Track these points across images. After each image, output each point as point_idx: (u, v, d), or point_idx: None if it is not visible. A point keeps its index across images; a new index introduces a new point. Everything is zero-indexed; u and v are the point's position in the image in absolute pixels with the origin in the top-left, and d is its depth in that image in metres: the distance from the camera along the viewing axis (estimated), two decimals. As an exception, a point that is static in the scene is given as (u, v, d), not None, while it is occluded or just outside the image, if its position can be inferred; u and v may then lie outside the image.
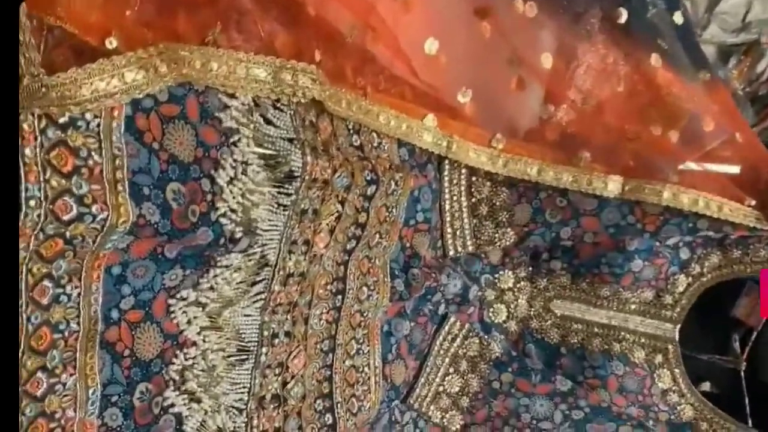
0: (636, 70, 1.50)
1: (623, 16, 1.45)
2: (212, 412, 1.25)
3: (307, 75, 1.14)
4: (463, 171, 1.59)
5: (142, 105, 1.02)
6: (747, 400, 1.65)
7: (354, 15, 1.23)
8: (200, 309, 1.21)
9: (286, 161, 1.20)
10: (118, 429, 1.13)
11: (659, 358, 1.68)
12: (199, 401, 1.23)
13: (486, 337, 1.70)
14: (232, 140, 1.14)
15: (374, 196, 1.42)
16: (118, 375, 1.13)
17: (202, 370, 1.23)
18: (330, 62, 1.20)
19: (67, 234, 1.00)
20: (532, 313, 1.75)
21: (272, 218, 1.23)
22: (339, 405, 1.47)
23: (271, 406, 1.33)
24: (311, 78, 1.14)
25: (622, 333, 1.69)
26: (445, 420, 1.66)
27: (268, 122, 1.17)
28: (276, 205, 1.23)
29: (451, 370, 1.68)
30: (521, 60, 1.47)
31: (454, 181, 1.60)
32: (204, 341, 1.23)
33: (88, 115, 0.97)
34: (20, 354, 0.99)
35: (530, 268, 1.74)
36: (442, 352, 1.67)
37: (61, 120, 0.94)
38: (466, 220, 1.63)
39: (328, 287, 1.43)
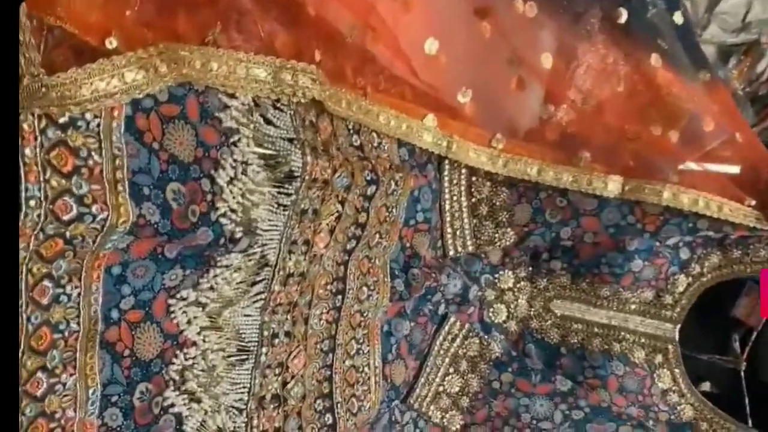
0: (636, 70, 1.50)
1: (623, 16, 1.45)
2: (212, 412, 1.25)
3: (307, 75, 1.14)
4: (463, 171, 1.59)
5: (142, 105, 1.02)
6: (747, 400, 1.65)
7: (354, 15, 1.23)
8: (200, 309, 1.21)
9: (286, 161, 1.20)
10: (118, 429, 1.13)
11: (659, 358, 1.68)
12: (199, 401, 1.23)
13: (486, 337, 1.70)
14: (232, 140, 1.14)
15: (374, 196, 1.42)
16: (118, 375, 1.13)
17: (202, 370, 1.23)
18: (330, 62, 1.20)
19: (67, 234, 1.00)
20: (532, 313, 1.75)
21: (272, 218, 1.23)
22: (339, 405, 1.47)
23: (271, 406, 1.33)
24: (311, 78, 1.14)
25: (622, 333, 1.69)
26: (445, 420, 1.66)
27: (268, 122, 1.17)
28: (276, 205, 1.23)
29: (451, 370, 1.68)
30: (521, 60, 1.47)
31: (454, 181, 1.60)
32: (204, 341, 1.23)
33: (88, 115, 0.97)
34: (20, 354, 0.99)
35: (530, 268, 1.74)
36: (442, 352, 1.67)
37: (61, 120, 0.94)
38: (466, 220, 1.63)
39: (328, 287, 1.43)
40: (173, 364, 1.19)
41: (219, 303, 1.23)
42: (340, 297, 1.45)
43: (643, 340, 1.68)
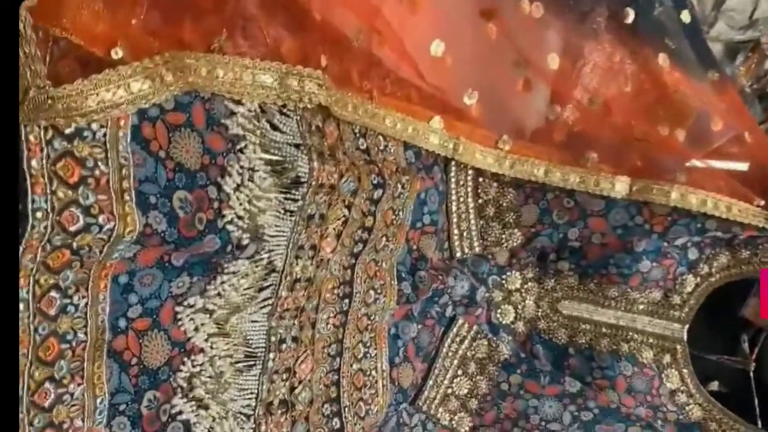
0: (643, 69, 1.49)
1: (630, 16, 1.44)
2: (220, 418, 1.25)
3: (313, 80, 1.13)
4: (470, 172, 1.58)
5: (148, 114, 1.02)
6: (756, 401, 1.64)
7: (360, 19, 1.22)
8: (207, 316, 1.21)
9: (293, 167, 1.20)
10: (126, 438, 1.13)
11: (667, 359, 1.67)
12: (207, 408, 1.23)
13: (494, 338, 1.69)
14: (238, 147, 1.13)
15: (381, 199, 1.41)
16: (126, 383, 1.12)
17: (210, 377, 1.23)
18: (336, 67, 1.20)
19: (74, 245, 0.99)
20: (539, 313, 1.74)
21: (279, 224, 1.23)
22: (346, 409, 1.46)
23: (279, 412, 1.33)
24: (317, 83, 1.13)
25: (630, 333, 1.68)
26: (453, 422, 1.66)
27: (275, 128, 1.17)
28: (283, 211, 1.22)
29: (460, 372, 1.68)
30: (527, 61, 1.46)
31: (461, 183, 1.60)
32: (211, 348, 1.22)
33: (94, 125, 0.96)
34: (28, 365, 0.99)
35: (537, 269, 1.74)
36: (450, 354, 1.67)
37: (67, 131, 0.94)
38: (473, 222, 1.63)
39: (335, 291, 1.42)
40: (181, 371, 1.19)
41: (226, 309, 1.22)
42: (347, 301, 1.44)
43: (651, 341, 1.68)
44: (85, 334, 1.06)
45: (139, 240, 1.05)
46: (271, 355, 1.30)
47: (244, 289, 1.23)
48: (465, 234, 1.63)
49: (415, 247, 1.57)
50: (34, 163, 0.92)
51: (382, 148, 1.36)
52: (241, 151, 1.14)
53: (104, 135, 0.98)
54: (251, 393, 1.28)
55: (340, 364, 1.46)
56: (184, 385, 1.20)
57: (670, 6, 1.47)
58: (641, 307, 1.68)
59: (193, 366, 1.20)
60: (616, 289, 1.66)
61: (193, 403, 1.21)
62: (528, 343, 1.74)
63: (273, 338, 1.29)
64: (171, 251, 1.10)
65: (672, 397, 1.67)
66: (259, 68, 1.08)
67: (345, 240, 1.39)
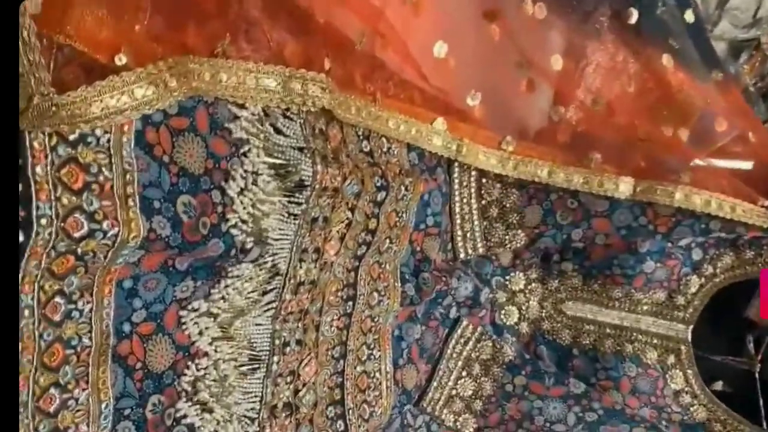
0: (646, 69, 1.49)
1: (634, 16, 1.43)
2: (224, 421, 1.25)
3: (316, 84, 1.12)
4: (473, 173, 1.58)
5: (151, 119, 1.02)
6: (762, 402, 1.64)
7: (363, 21, 1.22)
8: (212, 319, 1.21)
9: (297, 170, 1.19)
10: (131, 442, 1.13)
11: (672, 359, 1.67)
12: (211, 411, 1.23)
13: (499, 339, 1.69)
14: (242, 151, 1.13)
15: (384, 201, 1.41)
16: (131, 388, 1.13)
17: (214, 380, 1.23)
18: (339, 69, 1.19)
19: (79, 250, 0.99)
20: (543, 314, 1.74)
21: (283, 227, 1.23)
22: (350, 411, 1.46)
23: (283, 415, 1.33)
24: (321, 87, 1.13)
25: (635, 334, 1.68)
26: (458, 423, 1.66)
27: (278, 132, 1.16)
28: (286, 215, 1.22)
29: (464, 373, 1.68)
30: (530, 62, 1.46)
31: (464, 184, 1.59)
32: (216, 351, 1.22)
33: (98, 131, 0.96)
34: (32, 371, 0.99)
35: (541, 270, 1.74)
36: (454, 355, 1.67)
37: (72, 137, 0.94)
38: (476, 223, 1.63)
39: (339, 294, 1.42)
40: (185, 375, 1.19)
41: (230, 313, 1.22)
42: (350, 303, 1.44)
43: (655, 341, 1.68)
44: (90, 339, 1.06)
45: (144, 245, 1.05)
46: (275, 358, 1.30)
47: (248, 293, 1.23)
48: (468, 235, 1.63)
49: (418, 248, 1.57)
50: (38, 169, 0.92)
51: (385, 150, 1.36)
52: (244, 155, 1.14)
53: (108, 141, 0.98)
54: (255, 396, 1.28)
55: (344, 367, 1.46)
56: (189, 388, 1.20)
57: (674, 5, 1.46)
58: (645, 307, 1.68)
59: (198, 370, 1.20)
60: (620, 290, 1.66)
61: (198, 406, 1.21)
62: (532, 344, 1.74)
63: (277, 341, 1.29)
64: (175, 256, 1.10)
65: (676, 398, 1.67)
66: (262, 72, 1.08)
67: (348, 242, 1.38)
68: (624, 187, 1.46)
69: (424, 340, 1.62)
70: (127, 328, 1.10)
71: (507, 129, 1.48)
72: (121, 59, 0.92)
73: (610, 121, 1.50)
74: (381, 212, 1.42)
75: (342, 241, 1.37)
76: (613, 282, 1.66)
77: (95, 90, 0.90)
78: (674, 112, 1.49)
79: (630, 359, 1.67)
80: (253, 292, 1.24)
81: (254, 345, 1.27)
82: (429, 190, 1.52)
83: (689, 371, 1.67)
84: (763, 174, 1.49)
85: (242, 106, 1.11)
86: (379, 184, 1.38)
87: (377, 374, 1.52)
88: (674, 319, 1.67)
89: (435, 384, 1.65)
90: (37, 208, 0.93)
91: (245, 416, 1.27)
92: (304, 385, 1.37)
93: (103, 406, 1.09)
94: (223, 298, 1.20)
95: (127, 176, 1.01)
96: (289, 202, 1.21)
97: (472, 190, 1.60)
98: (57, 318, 1.01)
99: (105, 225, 1.00)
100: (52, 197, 0.94)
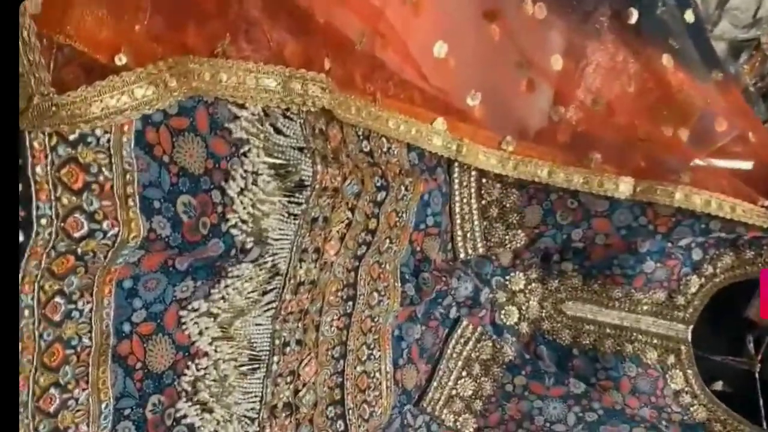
0: (646, 69, 1.48)
1: (633, 16, 1.43)
2: (224, 421, 1.25)
3: (316, 84, 1.12)
4: (473, 173, 1.58)
5: (151, 119, 1.02)
6: (762, 402, 1.64)
7: (363, 21, 1.21)
8: (212, 319, 1.21)
9: (297, 170, 1.19)
10: (131, 442, 1.13)
11: (672, 359, 1.67)
12: (211, 411, 1.23)
13: (499, 340, 1.69)
14: (242, 151, 1.13)
15: (384, 202, 1.41)
16: (131, 388, 1.13)
17: (214, 380, 1.23)
18: (339, 69, 1.19)
19: (79, 250, 0.99)
20: (543, 314, 1.74)
21: (283, 227, 1.23)
22: (350, 411, 1.46)
23: (283, 415, 1.33)
24: (321, 87, 1.13)
25: (635, 334, 1.68)
26: (458, 423, 1.66)
27: (278, 132, 1.16)
28: (286, 215, 1.22)
29: (464, 373, 1.67)
30: (530, 62, 1.46)
31: (464, 184, 1.59)
32: (216, 351, 1.22)
33: (98, 131, 0.96)
34: (32, 371, 0.99)
35: (541, 270, 1.74)
36: (455, 355, 1.67)
37: (72, 137, 0.94)
38: (476, 223, 1.62)
39: (339, 294, 1.42)
40: (185, 375, 1.19)
41: (230, 313, 1.22)
42: (350, 303, 1.44)
43: (655, 341, 1.68)
44: (90, 339, 1.06)
45: (144, 245, 1.05)
46: (275, 358, 1.30)
47: (248, 293, 1.23)
48: (468, 235, 1.63)
49: (418, 248, 1.57)
50: (38, 169, 0.92)
51: (385, 150, 1.36)
52: (244, 155, 1.14)
53: (108, 141, 0.98)
54: (255, 396, 1.28)
55: (344, 367, 1.46)
56: (189, 388, 1.20)
57: (674, 5, 1.46)
58: (645, 307, 1.67)
59: (198, 370, 1.20)
60: (620, 290, 1.66)
61: (198, 406, 1.21)
62: (532, 344, 1.73)
63: (277, 341, 1.29)
64: (175, 256, 1.10)
65: (676, 398, 1.67)
66: (262, 72, 1.07)
67: (348, 242, 1.38)
68: (624, 187, 1.46)
69: (424, 340, 1.62)
70: (127, 328, 1.10)
71: (507, 129, 1.48)
72: (121, 59, 0.92)
73: (610, 121, 1.50)
74: (381, 212, 1.41)
75: (342, 241, 1.36)
76: (613, 282, 1.66)
77: (95, 90, 0.90)
78: (674, 112, 1.49)
79: (630, 359, 1.67)
80: (253, 292, 1.24)
81: (254, 345, 1.27)
82: (429, 190, 1.52)
83: (689, 371, 1.67)
84: (763, 174, 1.49)
85: (242, 106, 1.11)
86: (379, 184, 1.38)
87: (377, 374, 1.52)
88: (674, 319, 1.67)
89: (435, 384, 1.65)
90: (37, 208, 0.93)
91: (245, 416, 1.27)
92: (304, 385, 1.37)
93: (103, 406, 1.09)
94: (223, 298, 1.20)
95: (127, 176, 1.01)
96: (289, 202, 1.21)
97: (472, 190, 1.60)
98: (57, 318, 1.01)
99: (105, 225, 1.00)
100: (52, 197, 0.94)
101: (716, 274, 1.64)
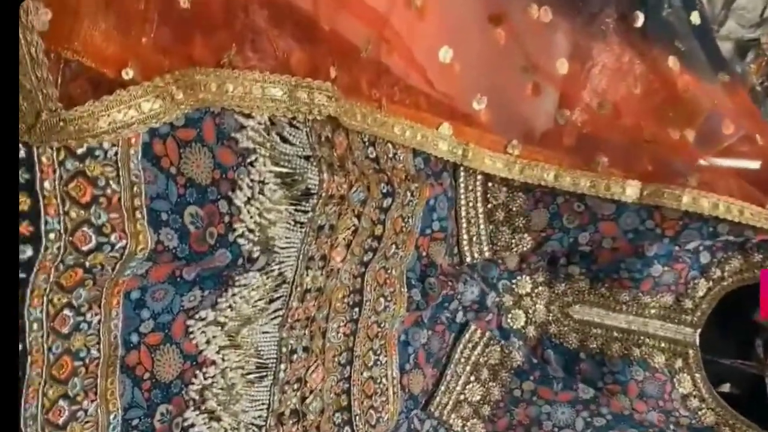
0: (652, 70, 1.48)
1: (640, 20, 1.43)
2: (232, 430, 1.25)
3: (322, 92, 1.12)
4: (479, 177, 1.57)
5: (158, 131, 1.01)
6: (772, 407, 1.64)
7: (368, 28, 1.21)
8: (219, 328, 1.21)
9: (303, 179, 1.19)
10: (140, 452, 1.13)
11: (679, 363, 1.67)
12: (219, 420, 1.23)
13: (507, 344, 1.69)
14: (248, 160, 1.13)
15: (390, 207, 1.40)
16: (139, 398, 1.13)
17: (222, 389, 1.23)
18: (345, 77, 1.19)
19: (87, 263, 0.99)
20: (550, 318, 1.73)
21: (289, 236, 1.22)
22: (357, 417, 1.46)
23: (290, 422, 1.33)
24: (327, 95, 1.12)
25: (642, 337, 1.67)
26: (466, 428, 1.65)
27: (285, 140, 1.16)
28: (293, 223, 1.22)
29: (472, 378, 1.67)
30: (536, 66, 1.45)
31: (470, 188, 1.59)
32: (223, 360, 1.22)
33: (105, 144, 0.96)
34: (41, 384, 0.99)
35: (548, 274, 1.73)
36: (462, 360, 1.66)
37: (79, 151, 0.94)
38: (482, 226, 1.62)
39: (345, 300, 1.42)
40: (193, 384, 1.19)
41: (237, 321, 1.22)
42: (357, 309, 1.44)
43: (663, 345, 1.67)
44: (98, 350, 1.06)
45: (151, 257, 1.05)
46: (282, 366, 1.30)
47: (255, 301, 1.23)
48: (474, 239, 1.62)
49: (424, 253, 1.56)
50: (46, 184, 0.92)
51: (391, 155, 1.35)
52: (251, 164, 1.13)
53: (116, 153, 0.97)
54: (263, 404, 1.28)
55: (350, 373, 1.46)
56: (197, 397, 1.20)
57: (680, 7, 1.46)
58: (653, 311, 1.67)
59: (205, 378, 1.21)
60: (628, 294, 1.65)
61: (206, 415, 1.21)
62: (539, 348, 1.73)
63: (284, 349, 1.29)
64: (182, 266, 1.10)
65: (684, 402, 1.66)
66: (268, 81, 1.07)
67: (355, 249, 1.38)
68: (631, 191, 1.46)
69: (431, 345, 1.61)
70: (135, 338, 1.11)
71: (513, 133, 1.47)
72: (128, 73, 0.92)
73: (616, 123, 1.49)
74: (387, 218, 1.41)
75: (348, 248, 1.36)
76: (620, 285, 1.65)
77: (102, 104, 0.89)
78: (681, 113, 1.48)
79: (637, 363, 1.67)
80: (260, 300, 1.24)
81: (261, 353, 1.27)
82: (435, 195, 1.51)
83: (697, 375, 1.66)
84: (772, 177, 1.49)
85: (249, 116, 1.10)
86: (385, 191, 1.38)
87: (384, 380, 1.52)
88: (682, 323, 1.66)
89: (443, 388, 1.65)
90: (46, 222, 0.93)
91: (252, 424, 1.27)
92: (311, 392, 1.37)
93: (112, 417, 1.09)
94: (230, 306, 1.20)
95: (135, 188, 1.01)
96: (296, 210, 1.21)
97: (478, 194, 1.59)
98: (66, 330, 1.01)
99: (113, 238, 1.00)
100: (61, 211, 0.94)
101: (724, 277, 1.63)
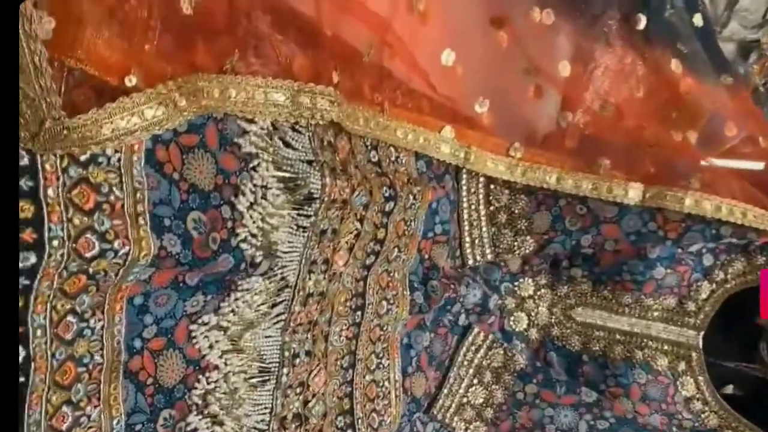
0: (654, 72, 1.48)
1: (642, 22, 1.42)
2: (235, 434, 1.25)
3: (325, 97, 1.12)
4: (481, 180, 1.57)
5: (161, 137, 1.01)
6: (775, 410, 1.63)
7: (371, 32, 1.21)
8: (222, 333, 1.21)
9: (305, 183, 1.19)
10: (143, 457, 1.13)
11: (682, 366, 1.66)
12: (221, 424, 1.23)
13: (510, 347, 1.69)
14: (251, 165, 1.13)
15: (393, 211, 1.40)
16: (142, 403, 1.13)
17: (224, 393, 1.23)
18: (348, 81, 1.19)
19: (90, 270, 0.99)
20: (553, 320, 1.73)
21: (292, 240, 1.22)
22: (360, 421, 1.46)
23: (293, 426, 1.33)
24: (329, 100, 1.12)
25: (645, 340, 1.67)
26: (469, 431, 1.66)
27: (287, 145, 1.16)
28: (296, 227, 1.22)
29: (475, 381, 1.67)
30: (538, 68, 1.45)
31: (472, 190, 1.59)
32: (226, 364, 1.22)
33: (108, 150, 0.95)
34: (45, 390, 0.99)
35: (550, 276, 1.73)
36: (466, 362, 1.66)
37: (83, 157, 0.93)
38: (484, 229, 1.62)
39: (348, 303, 1.42)
40: (196, 388, 1.19)
41: (240, 326, 1.22)
42: (359, 312, 1.44)
43: (666, 347, 1.67)
44: (102, 356, 1.06)
45: (154, 262, 1.05)
46: (285, 370, 1.29)
47: (258, 306, 1.23)
48: (477, 242, 1.62)
49: (427, 256, 1.56)
50: (50, 192, 0.92)
51: (393, 159, 1.35)
52: (254, 169, 1.13)
53: (119, 160, 0.97)
54: (265, 408, 1.28)
55: (353, 376, 1.46)
56: (199, 402, 1.20)
57: (682, 9, 1.45)
58: (656, 313, 1.67)
59: (208, 383, 1.20)
60: (630, 296, 1.65)
61: (208, 419, 1.21)
62: (541, 351, 1.73)
63: (286, 353, 1.29)
64: (185, 272, 1.10)
65: (687, 405, 1.66)
66: (271, 87, 1.07)
67: (357, 253, 1.38)
68: (633, 193, 1.45)
69: (433, 348, 1.61)
70: (138, 344, 1.10)
71: (515, 135, 1.47)
72: (131, 80, 0.92)
73: (618, 125, 1.49)
74: (389, 221, 1.41)
75: (351, 252, 1.36)
76: (623, 288, 1.65)
77: (106, 112, 0.89)
78: (683, 115, 1.48)
79: (640, 366, 1.66)
80: (262, 304, 1.24)
81: (264, 357, 1.26)
82: (437, 198, 1.51)
83: (700, 378, 1.66)
84: (775, 180, 1.48)
85: (251, 121, 1.10)
86: (387, 194, 1.38)
87: (386, 383, 1.52)
88: (685, 326, 1.66)
89: (445, 391, 1.65)
90: (49, 230, 0.92)
91: (255, 428, 1.27)
92: (313, 395, 1.37)
93: (115, 422, 1.09)
94: (233, 311, 1.20)
95: (138, 195, 1.00)
96: (299, 214, 1.21)
97: (480, 196, 1.59)
98: (69, 336, 1.01)
99: (116, 244, 1.00)
100: (64, 218, 0.94)
101: (727, 279, 1.63)
